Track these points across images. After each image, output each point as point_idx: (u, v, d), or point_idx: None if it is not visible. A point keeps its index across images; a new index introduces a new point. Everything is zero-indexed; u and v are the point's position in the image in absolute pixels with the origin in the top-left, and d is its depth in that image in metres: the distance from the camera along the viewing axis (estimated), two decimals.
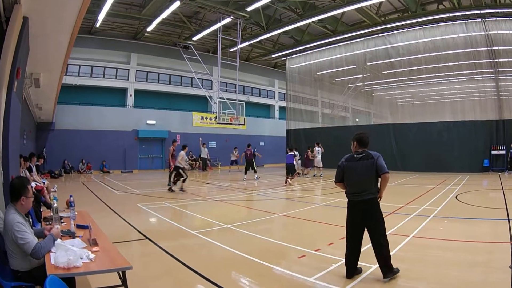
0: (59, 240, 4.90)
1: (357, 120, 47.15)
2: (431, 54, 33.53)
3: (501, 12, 29.09)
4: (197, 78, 39.90)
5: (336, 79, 43.23)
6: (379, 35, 35.18)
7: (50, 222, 6.00)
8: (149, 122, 37.96)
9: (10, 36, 7.80)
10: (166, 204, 15.52)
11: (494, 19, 29.85)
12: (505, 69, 32.30)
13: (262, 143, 46.03)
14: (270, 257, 8.03)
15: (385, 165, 6.77)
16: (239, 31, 33.53)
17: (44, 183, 14.57)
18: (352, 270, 6.78)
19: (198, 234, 10.10)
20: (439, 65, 34.14)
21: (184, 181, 20.13)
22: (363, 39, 36.48)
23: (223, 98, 36.38)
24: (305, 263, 7.70)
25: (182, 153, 20.30)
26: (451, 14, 29.89)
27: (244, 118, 37.99)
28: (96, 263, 4.53)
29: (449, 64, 33.81)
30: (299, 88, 44.52)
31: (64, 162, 32.67)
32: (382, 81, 41.18)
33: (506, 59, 31.27)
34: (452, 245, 9.03)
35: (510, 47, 30.20)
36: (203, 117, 38.70)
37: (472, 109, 32.38)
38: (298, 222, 12.41)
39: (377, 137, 32.49)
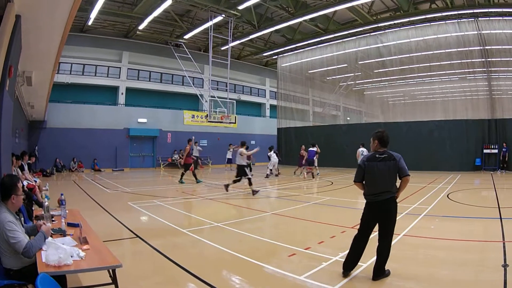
0: (50, 238, 4.94)
1: (348, 118, 47.15)
2: (423, 53, 33.69)
3: (494, 11, 29.26)
4: (188, 77, 39.86)
5: (327, 78, 43.47)
6: (371, 34, 35.31)
7: (43, 221, 6.02)
8: (140, 120, 37.93)
9: (3, 34, 7.81)
10: (157, 203, 15.48)
11: (487, 18, 29.99)
12: (498, 68, 32.49)
13: (253, 142, 45.33)
14: (260, 255, 8.08)
15: (406, 167, 6.74)
16: (231, 29, 33.47)
17: (36, 181, 14.55)
18: (349, 269, 6.83)
19: (189, 232, 10.12)
20: (431, 64, 34.33)
21: (250, 181, 19.27)
22: (354, 38, 36.63)
23: (214, 97, 36.38)
24: (296, 262, 7.72)
25: (243, 150, 19.72)
26: (444, 14, 30.02)
27: (235, 117, 38.13)
28: (86, 261, 4.56)
29: (441, 63, 34.00)
30: (290, 87, 44.82)
31: (55, 160, 32.51)
32: (374, 80, 41.29)
33: (499, 59, 31.44)
34: (443, 243, 9.09)
35: (503, 47, 30.37)
36: (194, 115, 38.75)
37: (464, 108, 32.60)
38: (288, 220, 12.44)
39: (368, 136, 32.53)
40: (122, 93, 37.95)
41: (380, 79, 39.72)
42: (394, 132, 30.90)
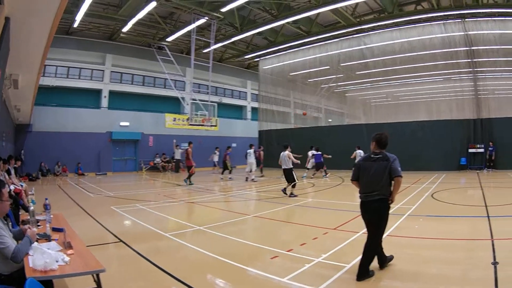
0: (35, 243, 4.95)
1: (329, 120, 47.40)
2: (407, 55, 33.82)
3: (482, 12, 29.39)
4: (170, 79, 39.92)
5: (309, 80, 43.49)
6: (354, 36, 35.32)
7: (28, 225, 6.08)
8: (122, 124, 37.93)
9: None
10: (139, 207, 15.56)
11: (475, 19, 30.21)
12: (485, 69, 32.70)
13: (234, 144, 45.65)
14: (243, 258, 8.15)
15: (399, 168, 6.88)
16: (213, 32, 33.46)
17: (22, 186, 14.59)
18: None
19: (172, 236, 10.17)
20: (415, 65, 34.57)
21: (294, 186, 19.07)
22: (337, 40, 36.65)
23: (195, 100, 36.36)
24: (278, 264, 7.79)
25: (289, 153, 19.24)
26: (430, 15, 30.12)
27: (216, 119, 37.96)
28: (71, 266, 4.59)
29: (425, 64, 34.21)
30: (271, 89, 44.74)
31: (41, 164, 32.51)
32: (356, 81, 41.91)
33: (487, 59, 31.59)
34: (429, 243, 9.25)
35: (491, 47, 30.53)
36: (175, 118, 38.32)
37: (448, 108, 32.98)
38: (270, 223, 12.56)
39: (350, 137, 33.23)
40: (105, 96, 37.85)
41: (362, 80, 40.37)
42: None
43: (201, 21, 31.56)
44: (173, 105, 43.02)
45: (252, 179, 27.45)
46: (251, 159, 28.41)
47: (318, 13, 30.53)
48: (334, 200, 17.41)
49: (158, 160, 39.25)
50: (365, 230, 9.15)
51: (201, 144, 39.28)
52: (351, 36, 35.57)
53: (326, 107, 46.96)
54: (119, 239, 9.80)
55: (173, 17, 34.17)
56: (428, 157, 30.78)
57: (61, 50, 33.53)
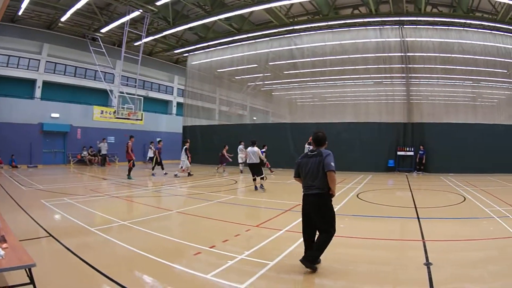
0: None
1: (254, 118, 47.18)
2: (337, 57, 34.28)
3: (423, 20, 30.13)
4: (100, 71, 39.25)
5: (236, 77, 43.66)
6: (285, 35, 35.79)
7: None
8: (53, 115, 37.25)
9: None
10: (67, 200, 15.34)
11: (415, 26, 30.98)
12: (420, 75, 33.25)
13: (158, 139, 45.79)
14: (168, 254, 8.11)
15: (332, 163, 7.19)
16: (146, 25, 33.35)
17: None
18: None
19: (99, 231, 10.05)
20: (345, 68, 35.09)
21: (263, 178, 20.21)
22: (268, 39, 37.00)
23: (122, 93, 36.29)
24: (202, 260, 7.85)
25: (258, 149, 20.28)
26: (366, 20, 30.64)
27: (142, 113, 37.98)
28: (6, 259, 4.58)
29: (356, 67, 34.77)
30: (198, 85, 44.88)
31: None
32: (283, 81, 42.11)
33: (422, 65, 32.33)
34: (356, 242, 9.40)
35: (429, 54, 31.35)
36: (103, 111, 37.66)
37: (377, 111, 33.41)
38: (193, 219, 12.56)
39: (274, 135, 34.14)
40: (39, 87, 37.20)
41: (290, 80, 40.66)
42: (301, 133, 31.70)
43: (136, 13, 31.50)
44: (102, 97, 42.66)
45: (175, 175, 27.42)
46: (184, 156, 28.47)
47: (252, 12, 30.80)
48: (256, 197, 17.60)
49: (85, 153, 38.89)
50: (289, 227, 9.39)
51: (126, 138, 39.01)
52: (282, 36, 36.07)
53: (252, 105, 46.55)
54: (49, 233, 9.67)
55: (110, 8, 33.77)
56: (354, 158, 31.17)
57: (3, 38, 33.42)
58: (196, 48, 42.23)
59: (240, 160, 30.82)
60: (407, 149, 31.56)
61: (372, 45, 32.78)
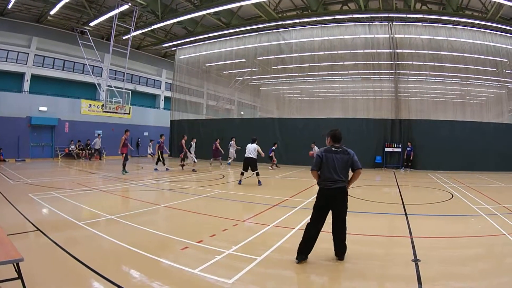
0: None
1: (242, 113, 47.40)
2: (326, 53, 34.31)
3: (412, 17, 30.14)
4: (89, 65, 39.00)
5: (224, 72, 43.73)
6: (274, 30, 35.87)
7: None
8: (41, 109, 37.11)
9: None
10: (54, 194, 15.25)
11: (404, 23, 31.00)
12: (408, 72, 33.10)
13: (146, 133, 46.29)
14: (155, 249, 8.10)
15: (359, 161, 7.65)
16: (134, 18, 33.31)
17: None
18: (305, 254, 7.34)
19: (86, 226, 9.98)
20: (334, 63, 35.10)
21: (258, 174, 20.36)
22: (256, 33, 37.21)
23: (110, 86, 36.19)
24: (190, 255, 7.88)
25: (258, 146, 20.64)
26: (356, 16, 30.66)
27: (130, 107, 37.90)
28: None
29: (345, 63, 34.96)
30: (186, 79, 45.06)
31: None
32: (271, 76, 42.18)
33: (411, 62, 32.44)
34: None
35: (417, 51, 31.50)
36: (91, 105, 37.35)
37: (365, 107, 33.61)
38: (180, 213, 12.56)
39: (262, 130, 33.85)
40: (27, 80, 37.18)
41: (278, 75, 40.91)
42: (289, 128, 32.09)
43: (125, 7, 31.40)
44: (90, 91, 42.68)
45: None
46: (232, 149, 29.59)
47: (241, 6, 30.97)
48: (243, 192, 17.63)
49: (72, 147, 38.74)
50: (276, 222, 9.40)
51: (113, 132, 39.25)
52: (271, 31, 36.18)
53: (239, 100, 46.84)
54: (37, 227, 9.61)
55: (99, 1, 33.78)
56: None
57: None
58: (185, 42, 42.34)
59: (230, 155, 31.27)
60: (395, 145, 31.77)
61: (361, 41, 32.94)
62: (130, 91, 38.94)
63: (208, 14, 32.33)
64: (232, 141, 31.78)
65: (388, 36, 31.70)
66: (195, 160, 27.58)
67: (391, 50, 31.97)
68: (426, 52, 31.78)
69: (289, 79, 39.77)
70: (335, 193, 7.41)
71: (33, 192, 15.51)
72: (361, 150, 30.40)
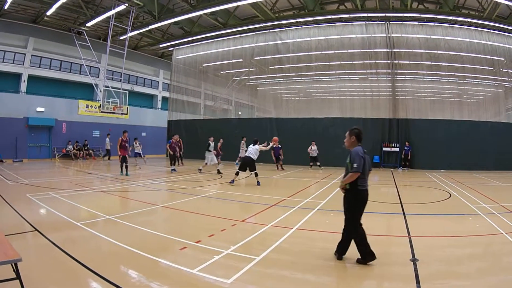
0: None
1: (239, 113, 47.58)
2: (323, 52, 34.46)
3: (409, 16, 30.05)
4: (86, 65, 39.13)
5: (221, 72, 43.80)
6: (270, 30, 35.82)
7: None
8: (39, 109, 37.11)
9: None
10: (52, 195, 15.22)
11: (401, 22, 30.97)
12: (406, 71, 33.33)
13: (143, 134, 46.19)
14: (153, 249, 8.08)
15: None
16: (131, 19, 33.33)
17: None
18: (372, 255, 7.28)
19: (84, 226, 9.98)
20: (331, 63, 35.26)
21: (256, 174, 20.49)
22: (253, 33, 37.19)
23: (108, 87, 36.16)
24: (188, 255, 7.87)
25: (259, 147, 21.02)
26: (352, 15, 30.65)
27: (127, 108, 37.96)
28: None
29: (342, 63, 35.02)
30: (183, 79, 45.00)
31: None
32: (268, 75, 42.58)
33: (408, 61, 32.54)
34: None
35: (414, 50, 31.56)
36: (88, 105, 37.87)
37: (363, 107, 33.62)
38: (178, 213, 12.57)
39: (259, 130, 33.82)
40: (24, 81, 37.20)
41: (275, 75, 41.23)
42: (287, 128, 32.04)
43: (121, 7, 31.38)
44: (87, 91, 42.71)
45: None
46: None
47: (237, 6, 30.92)
48: (241, 192, 17.67)
49: (70, 147, 38.67)
50: (274, 222, 9.57)
51: (111, 132, 39.13)
52: (268, 31, 36.12)
53: (237, 100, 47.17)
54: (34, 228, 9.60)
55: (95, 2, 33.77)
56: (339, 153, 30.78)
57: None
58: (182, 42, 42.35)
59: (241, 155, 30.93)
60: (393, 145, 31.80)
61: (358, 41, 32.92)
62: (127, 92, 38.94)
63: (205, 14, 32.27)
64: (243, 141, 31.66)
65: (385, 35, 31.69)
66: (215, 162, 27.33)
67: (388, 50, 31.99)
68: (423, 51, 31.87)
69: (286, 79, 39.69)
70: (367, 194, 7.58)
71: (31, 193, 15.48)
72: None
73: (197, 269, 6.76)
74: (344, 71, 36.26)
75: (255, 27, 35.47)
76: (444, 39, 31.22)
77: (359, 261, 7.24)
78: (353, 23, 32.36)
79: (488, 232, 9.90)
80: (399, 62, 32.76)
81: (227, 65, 41.51)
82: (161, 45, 44.54)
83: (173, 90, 45.38)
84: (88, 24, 36.80)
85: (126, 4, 31.01)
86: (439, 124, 31.12)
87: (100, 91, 37.67)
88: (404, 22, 31.24)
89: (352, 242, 7.52)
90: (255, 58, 39.48)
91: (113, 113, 36.51)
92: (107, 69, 37.34)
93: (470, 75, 32.87)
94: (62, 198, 14.62)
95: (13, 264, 4.84)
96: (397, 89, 33.25)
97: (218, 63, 41.95)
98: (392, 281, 6.60)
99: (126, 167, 24.51)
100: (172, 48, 45.20)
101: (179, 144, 30.31)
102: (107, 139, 38.29)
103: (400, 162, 31.47)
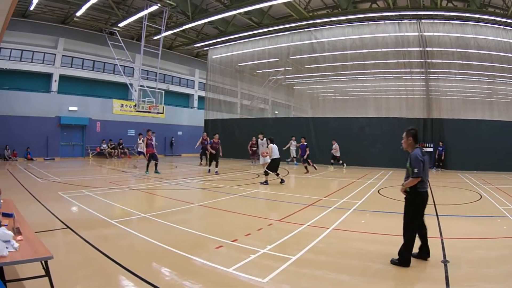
0: None
1: (276, 112, 47.57)
2: (358, 51, 34.13)
3: (439, 15, 29.66)
4: (120, 65, 39.06)
5: (257, 71, 43.76)
6: (305, 29, 35.50)
7: None
8: (71, 108, 37.53)
9: None
10: (85, 193, 15.31)
11: (432, 21, 30.55)
12: (438, 70, 32.67)
13: (180, 133, 46.75)
14: (188, 247, 8.10)
15: None
16: (165, 19, 33.24)
17: None
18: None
19: (118, 223, 10.05)
20: (366, 62, 34.84)
21: (267, 174, 20.21)
22: (288, 32, 36.83)
23: (143, 86, 36.12)
24: (224, 254, 7.83)
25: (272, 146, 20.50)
26: (385, 14, 30.33)
27: (163, 107, 37.74)
28: (20, 252, 4.52)
29: (376, 62, 34.64)
30: (219, 79, 44.85)
31: None
32: (305, 75, 42.30)
33: (440, 60, 32.10)
34: (376, 238, 9.29)
35: (446, 49, 31.05)
36: (123, 104, 37.28)
37: (398, 106, 33.16)
38: (215, 212, 12.51)
39: (296, 130, 33.62)
40: (55, 80, 37.44)
41: (311, 74, 40.88)
42: (323, 127, 31.93)
43: (154, 7, 31.47)
44: (121, 91, 42.93)
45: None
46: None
47: (271, 5, 30.69)
48: (277, 191, 17.52)
49: (104, 146, 39.13)
50: (311, 222, 9.58)
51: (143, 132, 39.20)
52: (302, 30, 35.80)
53: (273, 99, 47.17)
54: (66, 225, 9.63)
55: (126, 2, 33.94)
56: (375, 153, 31.21)
57: (16, 33, 33.29)
58: (216, 42, 42.21)
59: (293, 154, 31.50)
60: (427, 145, 31.11)
61: (391, 40, 32.56)
62: (163, 91, 38.90)
63: (239, 13, 32.26)
64: (292, 140, 31.70)
65: (417, 34, 31.30)
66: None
67: (421, 48, 31.59)
68: (454, 50, 31.39)
69: (322, 78, 39.29)
70: (428, 196, 7.44)
71: (63, 190, 15.58)
72: (395, 150, 30.19)
73: (232, 268, 6.75)
74: (379, 70, 35.91)
75: (290, 26, 35.22)
76: (473, 38, 30.74)
77: (393, 262, 7.15)
78: (386, 22, 32.08)
79: None
80: (432, 61, 32.32)
81: (263, 64, 41.30)
82: (196, 45, 44.59)
83: (209, 89, 45.41)
84: (120, 25, 36.95)
85: (159, 5, 31.05)
86: (470, 124, 30.62)
87: (135, 90, 37.71)
88: (435, 21, 30.82)
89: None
90: (291, 57, 39.24)
91: (149, 112, 36.48)
92: (141, 69, 37.42)
93: (499, 74, 32.37)
94: (95, 196, 14.73)
95: (43, 262, 4.79)
96: (430, 88, 32.77)
97: (254, 62, 41.85)
98: (423, 283, 6.59)
99: (156, 164, 24.48)
100: (207, 48, 45.15)
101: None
102: (138, 140, 38.47)
103: (434, 163, 30.92)
